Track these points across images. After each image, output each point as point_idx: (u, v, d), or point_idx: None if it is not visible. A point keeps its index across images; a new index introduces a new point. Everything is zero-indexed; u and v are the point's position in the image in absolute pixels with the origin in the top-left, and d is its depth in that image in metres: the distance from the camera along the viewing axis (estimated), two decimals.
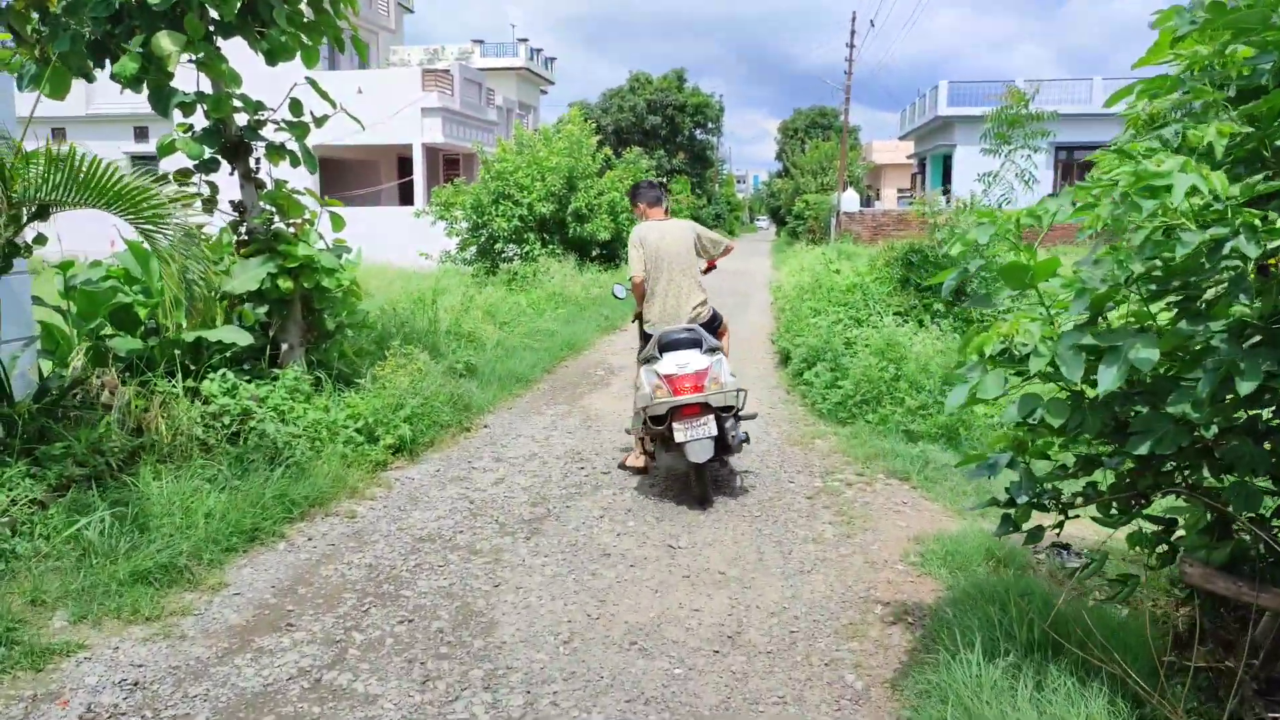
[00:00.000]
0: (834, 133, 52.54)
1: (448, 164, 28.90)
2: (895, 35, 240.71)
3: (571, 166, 18.34)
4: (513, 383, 8.86)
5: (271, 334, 6.70)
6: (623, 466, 6.19)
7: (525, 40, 40.52)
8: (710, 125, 47.63)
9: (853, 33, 37.41)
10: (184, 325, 6.06)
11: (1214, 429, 2.52)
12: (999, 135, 10.11)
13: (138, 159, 24.10)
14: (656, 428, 5.40)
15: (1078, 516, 3.35)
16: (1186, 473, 2.98)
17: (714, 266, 6.29)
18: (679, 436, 5.23)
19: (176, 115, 6.29)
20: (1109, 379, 2.35)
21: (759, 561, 4.54)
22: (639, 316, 6.08)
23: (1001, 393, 2.53)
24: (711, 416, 5.28)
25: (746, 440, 5.73)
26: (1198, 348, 2.41)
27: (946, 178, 35.53)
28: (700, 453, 5.21)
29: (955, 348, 7.92)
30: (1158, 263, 2.34)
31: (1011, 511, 3.28)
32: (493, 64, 38.24)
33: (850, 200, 33.48)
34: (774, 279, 20.52)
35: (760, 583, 4.28)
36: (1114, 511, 3.04)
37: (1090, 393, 2.68)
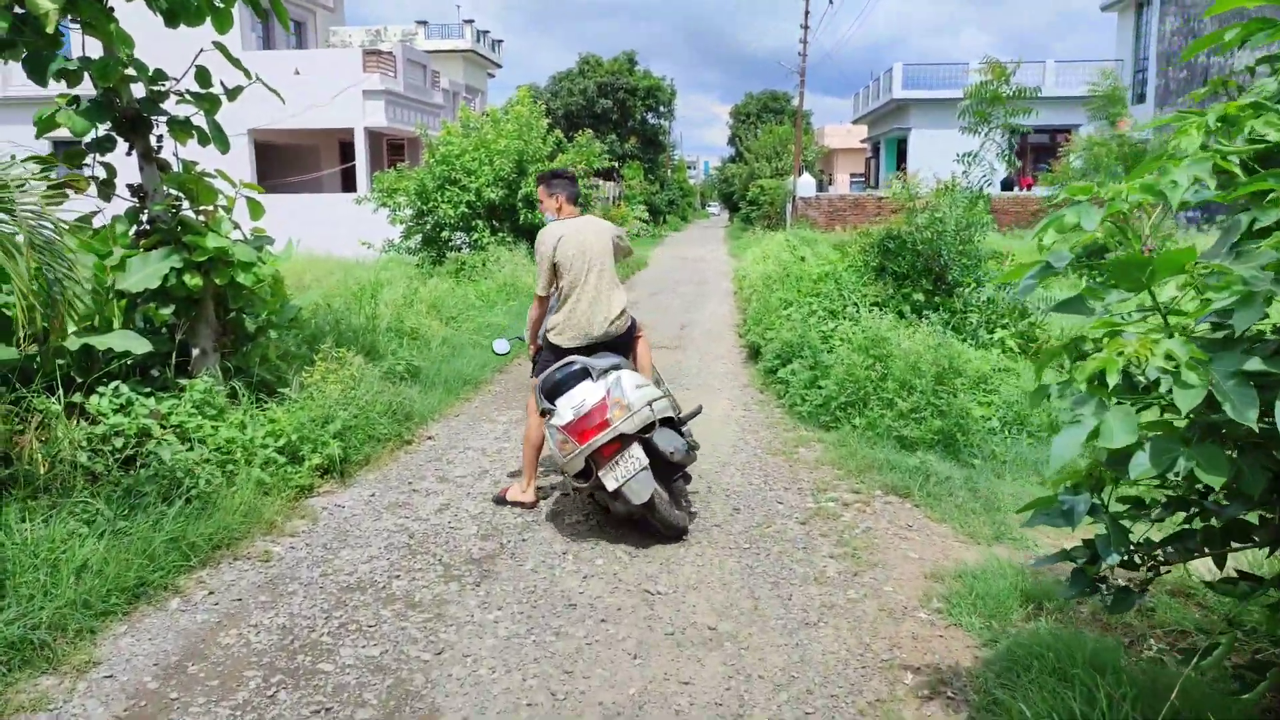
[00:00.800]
0: (787, 116, 51.98)
1: (392, 149, 27.76)
2: (848, 19, 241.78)
3: (521, 150, 17.41)
4: (460, 385, 8.04)
5: (180, 338, 5.82)
6: (499, 501, 5.25)
7: (471, 22, 39.24)
8: (662, 109, 46.63)
9: (806, 13, 36.79)
10: (50, 332, 5.11)
11: None
12: (979, 113, 9.50)
13: (60, 144, 22.58)
14: (584, 484, 4.57)
15: (1169, 573, 2.70)
16: None
17: None
18: (609, 483, 4.40)
19: (62, 87, 5.43)
20: None
21: (755, 610, 3.81)
22: (537, 340, 5.19)
23: (1134, 439, 1.83)
24: (635, 444, 4.46)
25: (696, 446, 4.92)
26: None
27: (901, 161, 35.17)
28: (641, 491, 4.39)
29: (940, 345, 7.23)
30: None
31: (1087, 568, 2.61)
32: (438, 46, 36.96)
33: (807, 185, 32.84)
34: (734, 266, 19.86)
35: (759, 641, 3.55)
36: (1240, 581, 2.36)
37: (1178, 419, 2.01)
